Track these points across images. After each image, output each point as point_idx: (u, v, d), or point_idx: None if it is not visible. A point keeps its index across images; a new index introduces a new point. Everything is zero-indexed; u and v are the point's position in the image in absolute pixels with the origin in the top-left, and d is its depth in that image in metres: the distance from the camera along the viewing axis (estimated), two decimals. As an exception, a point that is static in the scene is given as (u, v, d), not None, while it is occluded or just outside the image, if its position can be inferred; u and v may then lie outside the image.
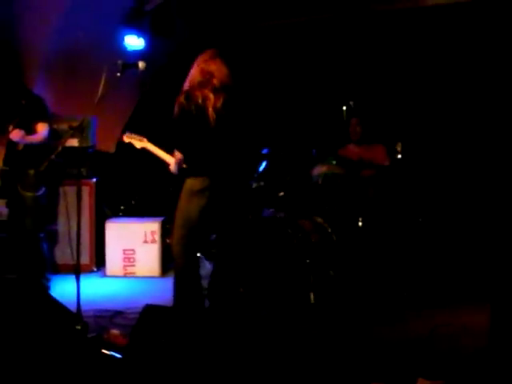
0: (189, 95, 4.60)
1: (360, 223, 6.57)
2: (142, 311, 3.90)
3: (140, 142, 5.41)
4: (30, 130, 6.07)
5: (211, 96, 4.60)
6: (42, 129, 6.10)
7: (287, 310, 5.61)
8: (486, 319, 4.50)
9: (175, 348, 3.68)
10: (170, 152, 5.12)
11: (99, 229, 7.37)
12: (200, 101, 4.58)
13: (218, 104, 4.61)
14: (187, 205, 4.66)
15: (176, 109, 4.63)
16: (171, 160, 5.01)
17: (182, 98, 4.60)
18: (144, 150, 5.45)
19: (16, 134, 5.98)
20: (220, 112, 4.60)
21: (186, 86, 4.71)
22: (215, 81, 4.64)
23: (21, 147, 6.02)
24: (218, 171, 4.64)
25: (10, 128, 6.03)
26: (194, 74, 4.71)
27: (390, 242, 6.72)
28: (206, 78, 4.64)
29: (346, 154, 7.17)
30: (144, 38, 7.51)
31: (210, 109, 4.59)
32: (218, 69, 4.68)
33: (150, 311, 3.86)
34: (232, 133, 4.71)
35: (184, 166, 4.78)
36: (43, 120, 6.15)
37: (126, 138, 5.47)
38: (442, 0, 7.74)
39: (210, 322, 4.74)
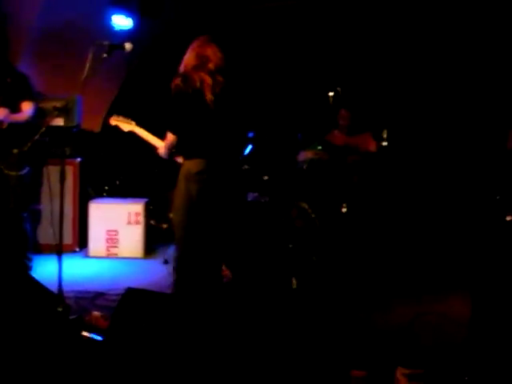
0: (186, 78, 4.57)
1: (344, 209, 6.58)
2: (124, 294, 3.89)
3: (128, 125, 5.31)
4: (15, 109, 6.00)
5: (208, 79, 4.58)
6: (27, 107, 6.04)
7: (269, 295, 5.63)
8: (467, 308, 4.55)
9: (156, 332, 3.68)
10: (158, 134, 5.07)
11: (82, 209, 7.34)
12: (198, 84, 4.56)
13: (217, 87, 4.60)
14: (186, 187, 4.64)
15: (173, 91, 4.59)
16: (160, 143, 4.96)
17: (178, 80, 4.56)
18: (131, 133, 5.38)
19: (0, 113, 5.92)
20: (218, 95, 4.58)
21: (182, 69, 4.68)
22: (211, 64, 4.61)
23: (5, 126, 5.96)
24: (215, 153, 4.63)
25: None
26: (189, 58, 4.68)
27: (373, 228, 6.75)
28: (202, 62, 4.62)
29: (332, 140, 7.17)
30: (132, 18, 7.43)
31: (208, 91, 4.57)
32: (213, 53, 4.66)
33: (132, 294, 3.84)
34: (229, 116, 4.70)
35: (173, 150, 4.77)
36: (28, 99, 6.08)
37: (113, 121, 5.33)
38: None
39: (192, 307, 4.74)
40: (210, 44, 4.72)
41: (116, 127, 5.36)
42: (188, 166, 4.65)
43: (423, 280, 6.09)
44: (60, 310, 4.28)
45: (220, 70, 4.66)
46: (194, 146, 4.63)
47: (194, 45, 4.71)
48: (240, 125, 4.95)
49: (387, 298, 5.61)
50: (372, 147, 7.02)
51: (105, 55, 4.46)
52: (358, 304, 5.43)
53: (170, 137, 4.69)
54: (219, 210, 4.75)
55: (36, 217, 7.08)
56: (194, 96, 4.55)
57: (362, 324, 4.94)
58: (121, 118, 5.34)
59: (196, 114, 4.60)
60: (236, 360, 4.05)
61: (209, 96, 4.56)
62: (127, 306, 3.73)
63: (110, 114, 5.64)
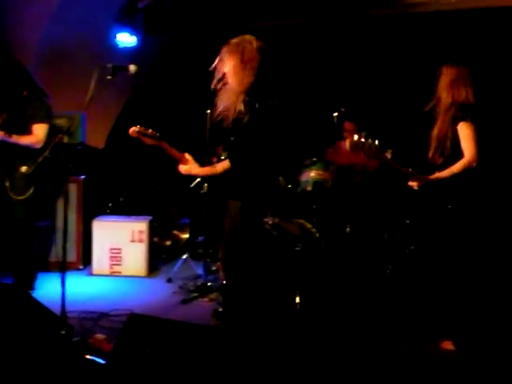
0: None
1: (348, 229, 6.57)
2: (127, 320, 3.87)
3: (151, 139, 4.85)
4: (24, 129, 5.82)
5: None
6: (40, 131, 5.83)
7: (273, 315, 5.61)
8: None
9: (159, 359, 3.66)
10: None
11: (86, 226, 7.34)
12: None
13: None
14: None
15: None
16: (189, 158, 4.63)
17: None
18: (140, 147, 5.06)
19: None
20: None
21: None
22: None
23: None
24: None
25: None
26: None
27: (378, 248, 6.73)
28: None
29: (337, 153, 7.14)
30: (136, 36, 7.47)
31: None
32: None
33: (135, 320, 3.83)
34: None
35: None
36: (43, 121, 5.87)
37: (135, 133, 4.65)
38: (433, 7, 7.73)
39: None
40: None
41: (137, 139, 4.95)
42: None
43: (431, 299, 6.07)
44: (63, 332, 4.28)
45: None
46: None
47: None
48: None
49: (392, 317, 5.59)
50: (374, 162, 6.99)
51: (109, 77, 4.47)
52: (363, 323, 5.41)
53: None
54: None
55: (40, 234, 7.08)
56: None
57: (367, 344, 4.93)
58: (146, 130, 4.85)
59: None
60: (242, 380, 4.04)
61: None
62: (130, 331, 3.71)
63: (114, 130, 5.54)
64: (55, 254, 6.85)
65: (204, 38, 8.51)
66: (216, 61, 4.44)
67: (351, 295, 6.11)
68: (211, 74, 4.50)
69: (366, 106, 7.82)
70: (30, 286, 6.16)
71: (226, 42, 4.45)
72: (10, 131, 5.79)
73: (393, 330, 5.33)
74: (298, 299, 5.62)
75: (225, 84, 4.46)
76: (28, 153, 5.85)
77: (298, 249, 5.89)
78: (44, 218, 7.08)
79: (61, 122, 5.92)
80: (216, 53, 4.56)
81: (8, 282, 6.11)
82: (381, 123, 7.43)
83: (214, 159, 5.73)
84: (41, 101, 5.97)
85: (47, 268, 6.99)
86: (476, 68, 7.38)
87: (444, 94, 4.94)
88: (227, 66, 4.40)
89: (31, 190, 5.93)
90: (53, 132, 6.02)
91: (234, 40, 4.44)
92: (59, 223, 6.55)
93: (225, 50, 4.42)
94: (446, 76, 4.97)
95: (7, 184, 5.88)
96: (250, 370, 4.11)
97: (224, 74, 4.43)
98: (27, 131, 5.85)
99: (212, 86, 4.48)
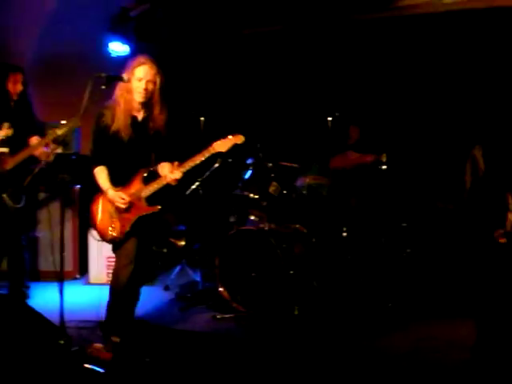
0: None
1: (344, 233, 6.58)
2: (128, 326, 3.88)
3: None
4: (22, 146, 5.92)
5: None
6: (38, 145, 5.90)
7: (271, 321, 5.62)
8: (470, 333, 4.54)
9: (158, 366, 3.67)
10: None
11: (83, 235, 7.33)
12: None
13: None
14: None
15: None
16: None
17: None
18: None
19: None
20: None
21: None
22: None
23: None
24: None
25: None
26: None
27: (374, 252, 6.75)
28: None
29: (343, 160, 7.18)
30: (129, 45, 7.48)
31: None
32: None
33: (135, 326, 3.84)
34: None
35: None
36: (36, 133, 6.01)
37: None
38: (424, 9, 7.74)
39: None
40: None
41: None
42: None
43: (425, 304, 6.08)
44: (62, 342, 4.27)
45: None
46: None
47: None
48: None
49: (389, 322, 5.60)
50: (369, 158, 7.02)
51: (103, 87, 4.47)
52: (361, 329, 5.42)
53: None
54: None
55: (35, 244, 7.08)
56: None
57: (365, 349, 4.93)
58: None
59: None
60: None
61: None
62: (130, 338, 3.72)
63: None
64: (51, 264, 6.82)
65: (195, 46, 8.55)
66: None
67: (348, 298, 6.13)
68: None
69: (365, 110, 7.84)
70: (25, 295, 6.17)
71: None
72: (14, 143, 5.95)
73: (391, 331, 5.35)
74: (296, 306, 5.65)
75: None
76: (21, 167, 5.91)
77: (294, 254, 5.92)
78: (37, 228, 7.10)
79: (56, 135, 5.83)
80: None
81: (2, 292, 6.15)
82: (379, 126, 7.47)
83: None
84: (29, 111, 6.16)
85: (41, 278, 7.00)
86: (473, 68, 7.50)
87: None
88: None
89: (23, 201, 5.97)
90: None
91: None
92: (55, 232, 6.53)
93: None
94: None
95: (5, 195, 5.90)
96: (252, 376, 4.13)
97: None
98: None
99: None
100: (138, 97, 4.71)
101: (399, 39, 7.88)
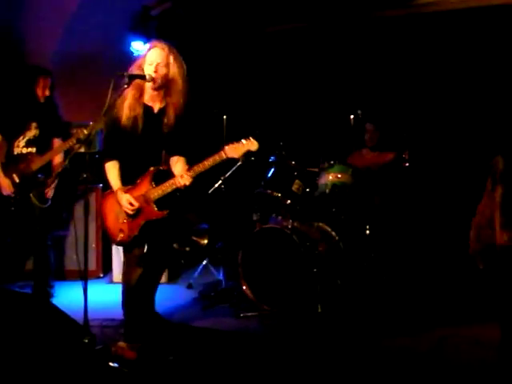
0: None
1: (367, 231, 6.55)
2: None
3: None
4: (48, 146, 6.06)
5: None
6: (61, 147, 6.05)
7: (295, 319, 5.61)
8: (496, 332, 4.48)
9: (182, 365, 3.67)
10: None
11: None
12: None
13: None
14: None
15: None
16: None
17: None
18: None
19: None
20: None
21: None
22: None
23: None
24: None
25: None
26: None
27: (397, 250, 6.70)
28: None
29: (360, 158, 7.15)
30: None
31: None
32: None
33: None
34: None
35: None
36: (60, 135, 6.16)
37: None
38: (443, 6, 7.66)
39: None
40: None
41: None
42: None
43: (450, 302, 6.03)
44: (86, 341, 4.28)
45: None
46: None
47: None
48: None
49: (413, 320, 5.56)
50: (389, 157, 6.97)
51: (126, 86, 4.45)
52: (384, 327, 5.39)
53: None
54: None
55: (60, 243, 7.12)
56: None
57: (389, 348, 4.90)
58: None
59: None
60: None
61: None
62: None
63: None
64: (75, 263, 6.86)
65: (217, 45, 8.54)
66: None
67: (372, 296, 6.10)
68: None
69: (384, 107, 7.78)
70: (49, 294, 6.21)
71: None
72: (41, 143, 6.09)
73: (414, 330, 5.32)
74: (319, 304, 5.63)
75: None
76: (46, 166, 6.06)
77: (317, 252, 5.90)
78: (62, 227, 7.13)
79: (79, 135, 5.85)
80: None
81: (27, 291, 6.20)
82: (398, 124, 7.41)
83: None
84: (55, 113, 6.28)
85: (65, 277, 7.05)
86: (497, 66, 7.41)
87: None
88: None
89: (49, 202, 6.07)
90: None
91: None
92: (79, 232, 6.55)
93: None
94: None
95: (32, 194, 5.96)
96: (276, 375, 4.12)
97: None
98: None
99: None
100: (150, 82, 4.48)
101: (422, 36, 7.80)
